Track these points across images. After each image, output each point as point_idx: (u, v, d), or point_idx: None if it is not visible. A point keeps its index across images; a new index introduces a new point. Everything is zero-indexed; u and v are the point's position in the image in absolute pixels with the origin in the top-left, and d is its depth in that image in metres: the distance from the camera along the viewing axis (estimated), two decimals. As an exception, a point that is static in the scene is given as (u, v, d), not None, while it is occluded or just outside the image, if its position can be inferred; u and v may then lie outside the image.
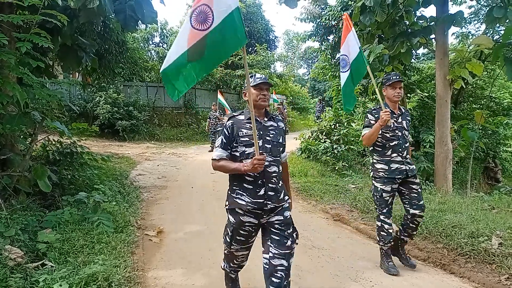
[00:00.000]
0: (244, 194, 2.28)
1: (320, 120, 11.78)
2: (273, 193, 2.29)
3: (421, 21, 6.99)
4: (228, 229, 2.38)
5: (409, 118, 3.41)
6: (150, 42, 19.61)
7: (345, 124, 9.41)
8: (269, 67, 20.40)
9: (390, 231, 3.27)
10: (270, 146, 2.32)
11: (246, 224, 2.29)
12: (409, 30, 6.82)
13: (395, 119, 3.25)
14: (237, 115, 2.41)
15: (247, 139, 2.29)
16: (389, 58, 6.96)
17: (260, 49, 19.88)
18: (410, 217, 3.22)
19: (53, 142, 4.81)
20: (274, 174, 2.31)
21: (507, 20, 5.61)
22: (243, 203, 2.26)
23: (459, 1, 10.99)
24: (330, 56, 12.46)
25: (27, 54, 3.35)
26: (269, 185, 2.28)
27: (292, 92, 26.32)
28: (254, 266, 3.03)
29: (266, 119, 2.40)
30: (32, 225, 3.31)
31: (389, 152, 3.25)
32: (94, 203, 4.10)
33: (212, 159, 2.35)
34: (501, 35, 7.20)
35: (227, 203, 2.37)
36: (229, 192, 2.39)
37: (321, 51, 12.78)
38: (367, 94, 9.95)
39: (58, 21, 3.22)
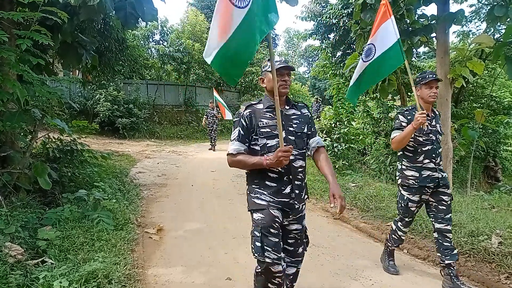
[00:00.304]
0: (265, 193, 2.02)
1: (319, 120, 11.77)
2: (298, 191, 2.06)
3: (422, 20, 6.95)
4: (255, 232, 2.00)
5: (440, 121, 3.16)
6: (150, 40, 19.55)
7: (346, 122, 9.39)
8: (269, 65, 20.34)
9: (403, 238, 3.23)
10: (294, 137, 2.07)
11: (276, 219, 1.99)
12: (410, 28, 6.79)
13: (428, 122, 2.97)
14: (255, 103, 2.14)
15: (268, 130, 2.03)
16: (390, 57, 6.93)
17: (261, 47, 19.83)
18: (438, 234, 2.93)
19: (53, 140, 4.81)
20: (300, 169, 2.07)
21: (508, 19, 5.60)
22: (264, 203, 2.01)
23: (460, 0, 10.96)
24: (330, 55, 12.45)
25: (27, 51, 3.33)
26: (296, 182, 2.05)
27: (293, 90, 26.29)
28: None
29: (287, 107, 2.14)
30: (32, 222, 3.31)
31: (421, 158, 2.96)
32: (94, 201, 4.10)
33: (228, 154, 2.08)
34: (502, 33, 7.20)
35: (248, 206, 2.14)
36: (247, 192, 2.14)
37: (322, 50, 12.78)
38: (367, 93, 9.93)
39: (59, 18, 3.22)
